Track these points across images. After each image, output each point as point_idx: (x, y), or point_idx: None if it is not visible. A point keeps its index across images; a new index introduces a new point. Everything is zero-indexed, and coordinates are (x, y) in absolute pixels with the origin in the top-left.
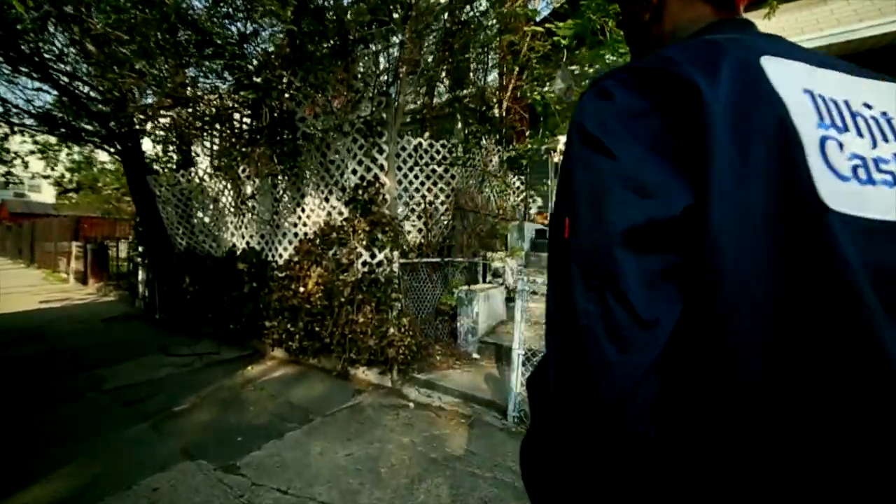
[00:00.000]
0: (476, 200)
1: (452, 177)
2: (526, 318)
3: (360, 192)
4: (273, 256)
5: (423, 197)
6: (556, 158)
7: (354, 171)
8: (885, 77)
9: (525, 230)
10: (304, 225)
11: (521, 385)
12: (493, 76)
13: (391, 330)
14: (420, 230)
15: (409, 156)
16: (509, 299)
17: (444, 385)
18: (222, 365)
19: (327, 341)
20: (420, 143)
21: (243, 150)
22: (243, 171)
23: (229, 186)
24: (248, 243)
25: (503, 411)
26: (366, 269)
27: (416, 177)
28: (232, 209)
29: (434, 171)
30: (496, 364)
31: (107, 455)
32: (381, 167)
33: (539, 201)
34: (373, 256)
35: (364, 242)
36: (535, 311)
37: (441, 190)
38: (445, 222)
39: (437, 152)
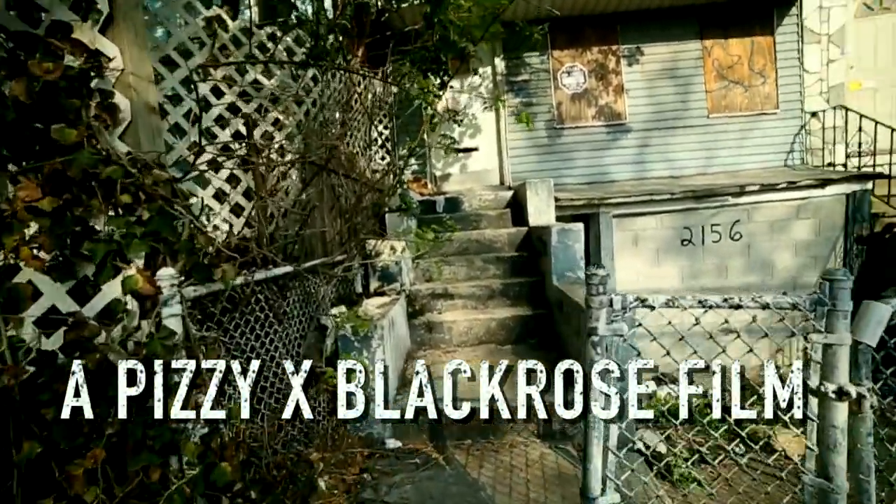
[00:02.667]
0: (340, 154)
1: (299, 103)
2: (448, 338)
3: None
4: None
5: (240, 137)
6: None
7: None
8: None
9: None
10: None
11: None
12: None
13: None
14: (235, 210)
15: (198, 42)
16: (412, 314)
17: None
18: None
19: None
20: (221, 19)
21: None
22: None
23: None
24: None
25: None
26: (47, 352)
27: (221, 91)
28: None
29: (259, 84)
30: (440, 453)
31: None
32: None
33: (413, 163)
34: (73, 298)
35: (36, 257)
36: (458, 325)
37: (278, 126)
38: (292, 195)
39: (262, 48)
